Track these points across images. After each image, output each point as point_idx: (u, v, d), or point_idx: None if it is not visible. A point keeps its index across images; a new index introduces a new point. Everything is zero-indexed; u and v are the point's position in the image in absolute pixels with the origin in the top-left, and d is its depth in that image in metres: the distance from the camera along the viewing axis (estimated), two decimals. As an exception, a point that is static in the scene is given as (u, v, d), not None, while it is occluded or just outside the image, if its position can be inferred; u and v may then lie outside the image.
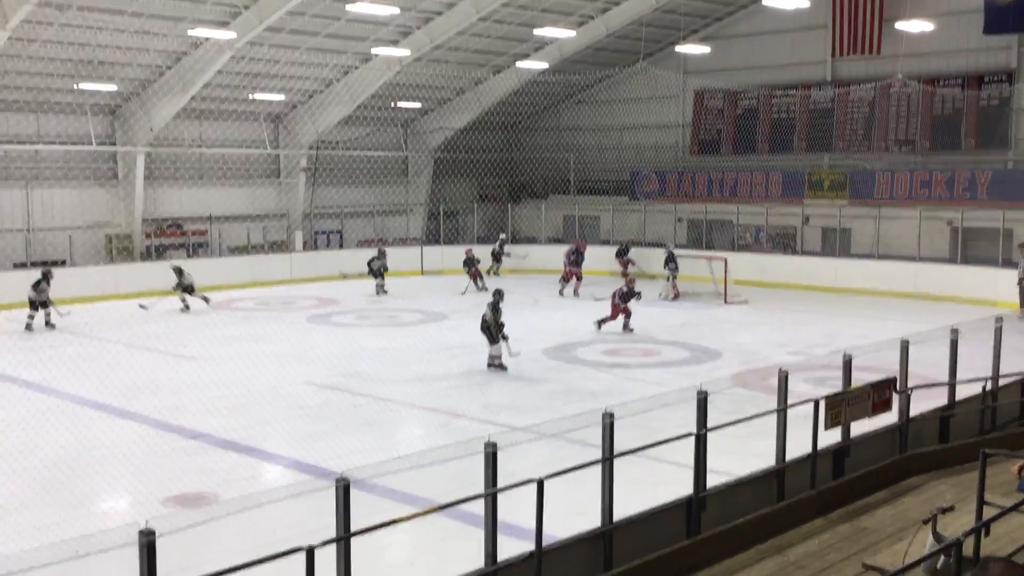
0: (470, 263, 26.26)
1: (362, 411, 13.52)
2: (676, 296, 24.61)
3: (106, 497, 10.39)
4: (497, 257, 29.25)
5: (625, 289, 19.73)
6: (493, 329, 16.05)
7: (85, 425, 12.70)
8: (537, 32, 27.67)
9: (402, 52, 27.29)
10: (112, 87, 25.90)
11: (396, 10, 23.84)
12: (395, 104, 32.21)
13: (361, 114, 31.08)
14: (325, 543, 5.50)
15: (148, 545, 4.77)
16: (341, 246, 32.28)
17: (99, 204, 27.61)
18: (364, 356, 17.19)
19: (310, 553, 5.25)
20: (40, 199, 26.42)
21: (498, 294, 16.74)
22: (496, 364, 15.99)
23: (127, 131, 27.56)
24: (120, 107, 27.45)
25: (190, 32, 23.51)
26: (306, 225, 31.86)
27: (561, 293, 25.58)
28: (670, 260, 25.04)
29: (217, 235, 29.61)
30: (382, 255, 26.34)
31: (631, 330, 19.53)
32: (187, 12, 22.95)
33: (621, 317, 19.63)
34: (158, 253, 28.29)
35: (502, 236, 30.50)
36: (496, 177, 35.45)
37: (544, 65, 30.42)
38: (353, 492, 5.96)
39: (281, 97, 29.54)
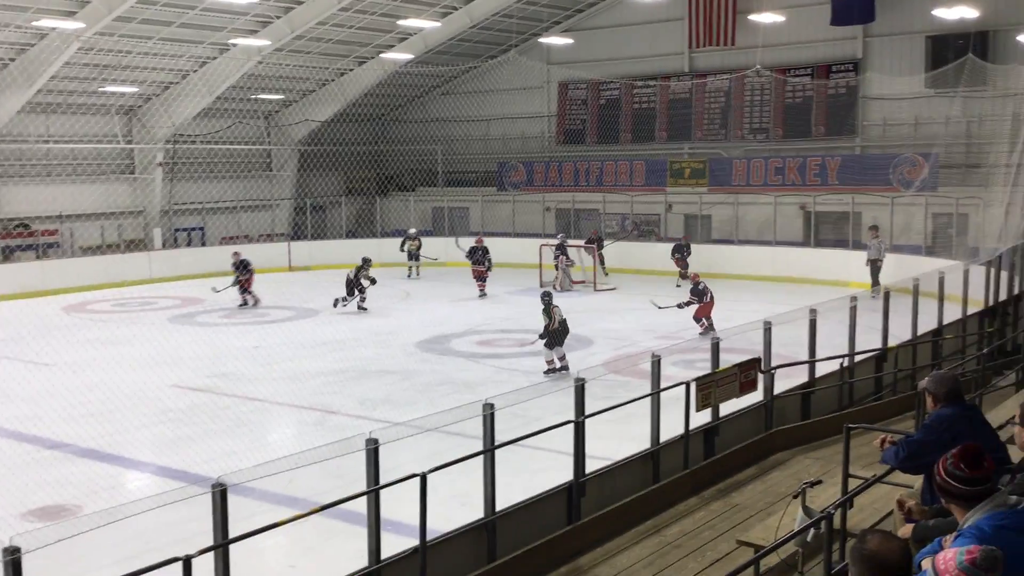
0: (242, 268, 22.75)
1: (232, 412, 13.16)
2: (570, 284, 24.84)
3: (-43, 515, 9.77)
4: (414, 255, 27.89)
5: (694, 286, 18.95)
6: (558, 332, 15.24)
7: (-70, 440, 11.94)
8: (401, 23, 27.45)
9: (262, 42, 26.60)
10: (-52, 80, 24.34)
11: (255, -1, 23.23)
12: (256, 96, 31.39)
13: (220, 106, 30.17)
14: (203, 551, 5.31)
15: (13, 563, 4.50)
16: (204, 243, 31.29)
17: (-62, 204, 25.93)
18: (232, 356, 16.73)
19: (187, 563, 5.06)
20: None
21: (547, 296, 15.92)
22: (551, 369, 15.28)
23: (-34, 126, 25.93)
24: (-42, 101, 25.79)
25: (35, 23, 22.29)
26: (165, 222, 30.71)
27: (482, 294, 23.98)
28: (563, 251, 25.09)
29: (69, 235, 28.23)
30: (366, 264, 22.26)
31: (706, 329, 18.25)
32: (32, 2, 21.74)
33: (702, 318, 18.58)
34: (4, 255, 26.79)
35: (411, 231, 29.07)
36: (363, 170, 34.97)
37: (409, 56, 30.21)
38: (229, 497, 5.78)
39: (134, 89, 28.34)
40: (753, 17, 27.01)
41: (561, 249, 25.05)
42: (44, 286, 24.74)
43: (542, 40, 31.01)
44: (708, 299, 18.44)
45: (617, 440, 9.54)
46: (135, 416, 12.92)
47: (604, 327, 19.06)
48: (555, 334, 15.17)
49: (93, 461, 11.08)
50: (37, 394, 13.99)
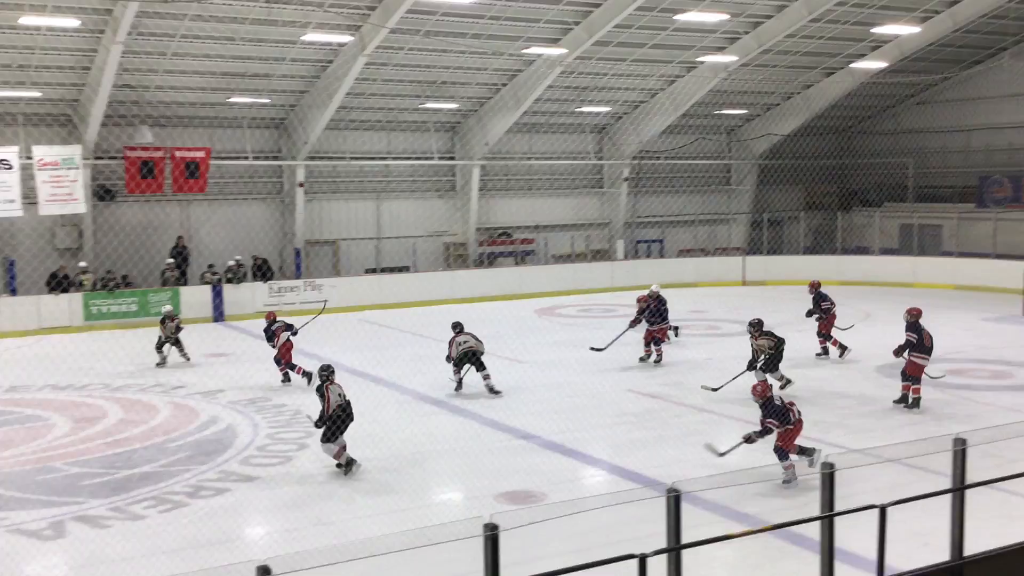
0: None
1: (683, 421, 13.44)
2: None
3: (444, 489, 11.09)
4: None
5: None
6: None
7: (424, 420, 13.67)
8: (875, 30, 26.18)
9: (729, 59, 26.89)
10: (453, 105, 27.78)
11: (725, 16, 23.53)
12: (719, 111, 31.85)
13: (683, 123, 31.04)
14: (657, 552, 5.48)
15: (492, 538, 5.01)
16: (662, 255, 32.38)
17: (439, 214, 29.71)
18: (686, 366, 17.09)
19: (642, 561, 5.26)
20: (388, 210, 28.88)
21: None
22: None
23: (465, 146, 29.44)
24: (459, 123, 29.35)
25: (524, 51, 24.64)
26: (627, 234, 32.28)
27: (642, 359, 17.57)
28: None
29: (543, 243, 30.78)
30: None
31: None
32: (522, 32, 24.06)
33: None
34: (489, 260, 29.88)
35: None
36: (825, 184, 33.99)
37: (882, 65, 28.73)
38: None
39: (606, 109, 30.17)
40: None
41: None
42: (521, 290, 27.23)
43: (1040, 40, 27.85)
44: None
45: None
46: (594, 416, 13.72)
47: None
48: (332, 420, 11.15)
49: (556, 454, 11.94)
50: (512, 388, 15.41)
